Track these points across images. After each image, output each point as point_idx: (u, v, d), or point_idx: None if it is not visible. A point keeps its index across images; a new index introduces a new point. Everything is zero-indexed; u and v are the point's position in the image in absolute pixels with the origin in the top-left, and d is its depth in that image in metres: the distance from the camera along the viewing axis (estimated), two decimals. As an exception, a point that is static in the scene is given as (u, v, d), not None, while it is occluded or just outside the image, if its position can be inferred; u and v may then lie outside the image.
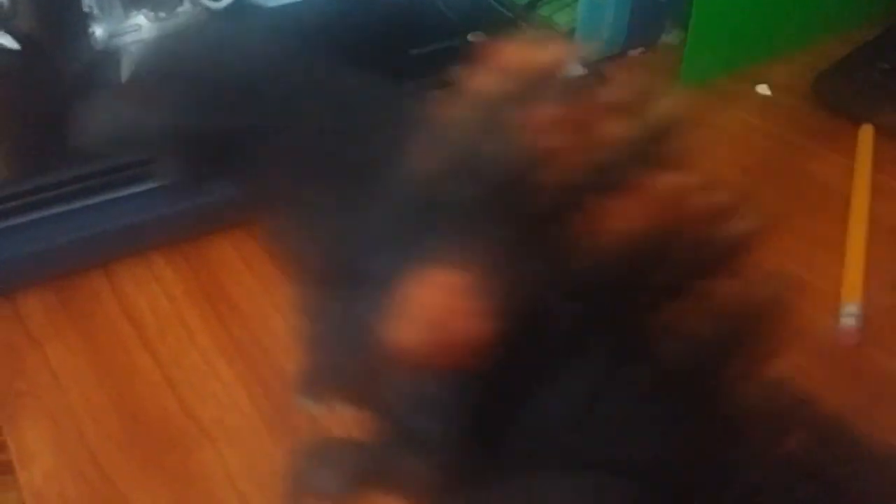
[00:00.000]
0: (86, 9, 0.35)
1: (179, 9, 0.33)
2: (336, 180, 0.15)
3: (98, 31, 0.35)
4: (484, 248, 0.13)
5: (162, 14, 0.33)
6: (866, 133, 0.39)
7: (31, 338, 0.30)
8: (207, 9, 0.34)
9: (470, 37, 0.37)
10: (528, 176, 0.13)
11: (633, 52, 0.47)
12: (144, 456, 0.26)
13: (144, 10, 0.33)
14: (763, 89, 0.43)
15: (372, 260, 0.14)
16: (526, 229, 0.14)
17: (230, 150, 0.15)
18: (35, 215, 0.31)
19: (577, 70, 0.39)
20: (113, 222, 0.31)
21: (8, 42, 0.34)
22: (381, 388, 0.14)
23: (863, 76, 0.41)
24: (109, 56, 0.35)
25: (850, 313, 0.29)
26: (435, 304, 0.13)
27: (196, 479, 0.25)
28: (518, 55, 0.14)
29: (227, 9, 0.35)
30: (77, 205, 0.31)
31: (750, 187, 0.36)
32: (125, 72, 0.34)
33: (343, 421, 0.25)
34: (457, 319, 0.13)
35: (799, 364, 0.28)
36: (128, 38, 0.34)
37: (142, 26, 0.33)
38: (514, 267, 0.13)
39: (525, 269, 0.14)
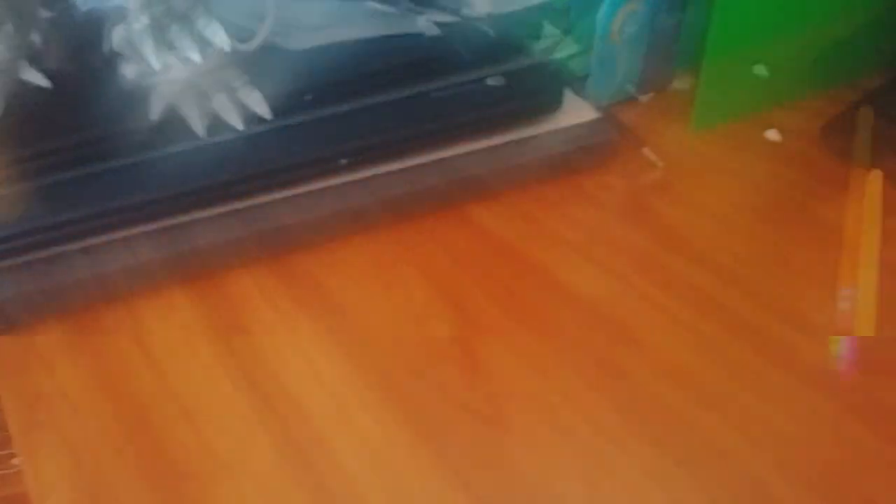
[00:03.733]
0: (115, 48, 0.36)
1: (209, 49, 0.34)
2: None
3: (128, 71, 0.36)
4: None
5: (194, 55, 0.34)
6: (876, 178, 0.39)
7: (48, 368, 0.30)
8: (237, 50, 0.35)
9: (490, 81, 0.38)
10: None
11: (644, 98, 0.48)
12: (162, 489, 0.26)
13: (175, 51, 0.34)
14: (773, 135, 0.44)
15: None
16: None
17: None
18: (56, 249, 0.32)
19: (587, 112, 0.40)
20: (134, 258, 0.32)
21: (38, 80, 0.35)
22: None
23: (872, 123, 0.42)
24: (139, 94, 0.35)
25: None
26: None
27: (215, 513, 0.25)
28: None
29: (255, 51, 0.36)
30: (96, 241, 0.32)
31: (759, 229, 0.37)
32: (154, 111, 0.35)
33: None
34: None
35: (799, 397, 0.28)
36: (158, 79, 0.35)
37: (172, 67, 0.34)
38: None
39: None
